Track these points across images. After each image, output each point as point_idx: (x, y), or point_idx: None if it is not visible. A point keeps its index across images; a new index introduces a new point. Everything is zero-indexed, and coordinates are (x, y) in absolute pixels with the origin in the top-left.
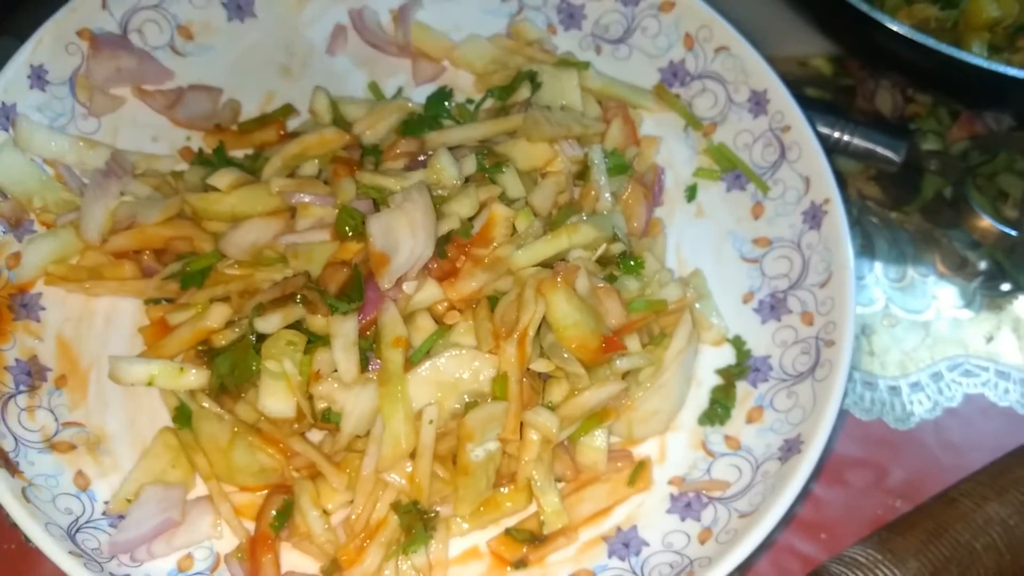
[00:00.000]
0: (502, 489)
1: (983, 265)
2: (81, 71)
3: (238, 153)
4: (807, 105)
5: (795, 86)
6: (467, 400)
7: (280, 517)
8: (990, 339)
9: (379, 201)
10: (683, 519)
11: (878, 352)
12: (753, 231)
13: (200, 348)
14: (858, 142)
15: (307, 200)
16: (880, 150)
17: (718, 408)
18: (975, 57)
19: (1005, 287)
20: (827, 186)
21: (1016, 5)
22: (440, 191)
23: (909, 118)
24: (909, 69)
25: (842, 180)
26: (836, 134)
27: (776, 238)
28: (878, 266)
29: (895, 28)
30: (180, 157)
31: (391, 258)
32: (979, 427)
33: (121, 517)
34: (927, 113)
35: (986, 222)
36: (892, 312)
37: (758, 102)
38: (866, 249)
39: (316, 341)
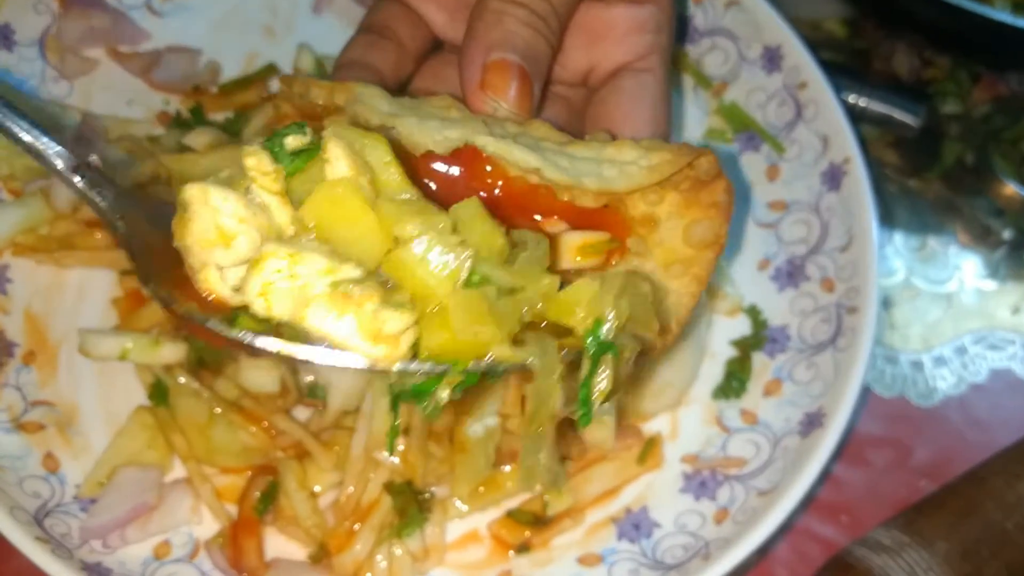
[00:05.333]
0: (503, 468)
1: (1007, 234)
2: (51, 31)
3: (219, 117)
4: (822, 70)
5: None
6: None
7: (264, 500)
8: (1016, 310)
9: None
10: (697, 499)
11: (899, 325)
12: (768, 194)
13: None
14: (875, 107)
15: None
16: (898, 115)
17: (733, 381)
18: (999, 13)
19: None
20: (847, 145)
21: None
22: None
23: (928, 81)
24: (928, 29)
25: (860, 144)
26: (852, 99)
27: (793, 201)
28: (897, 236)
29: None
30: (157, 121)
31: None
32: (1006, 403)
33: (93, 501)
34: (946, 76)
35: (1010, 189)
36: (913, 283)
37: (771, 58)
38: (885, 218)
39: None
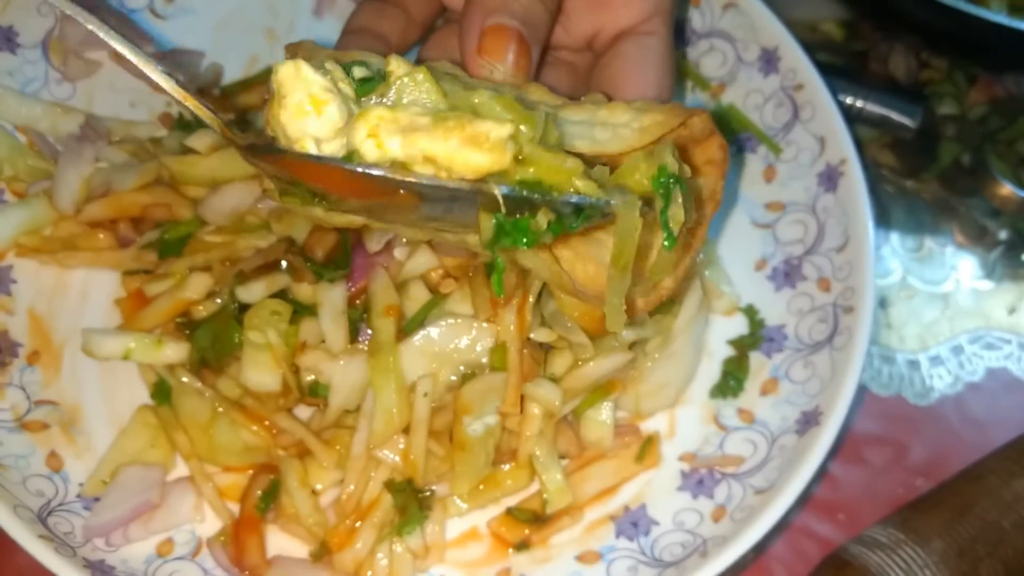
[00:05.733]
0: (502, 466)
1: (1004, 234)
2: (54, 34)
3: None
4: (819, 72)
5: (806, 52)
6: (464, 372)
7: (266, 498)
8: (1012, 310)
9: None
10: (695, 497)
11: (896, 325)
12: (765, 195)
13: (179, 320)
14: (872, 108)
15: None
16: (895, 116)
17: (730, 380)
18: (996, 15)
19: None
20: (843, 146)
21: None
22: None
23: (924, 83)
24: (925, 30)
25: (857, 145)
26: (849, 100)
27: (790, 202)
28: (894, 236)
29: None
30: (160, 123)
31: None
32: (1003, 402)
33: (96, 499)
34: (943, 77)
35: (1007, 189)
36: (909, 284)
37: (768, 60)
38: (881, 219)
39: (302, 311)
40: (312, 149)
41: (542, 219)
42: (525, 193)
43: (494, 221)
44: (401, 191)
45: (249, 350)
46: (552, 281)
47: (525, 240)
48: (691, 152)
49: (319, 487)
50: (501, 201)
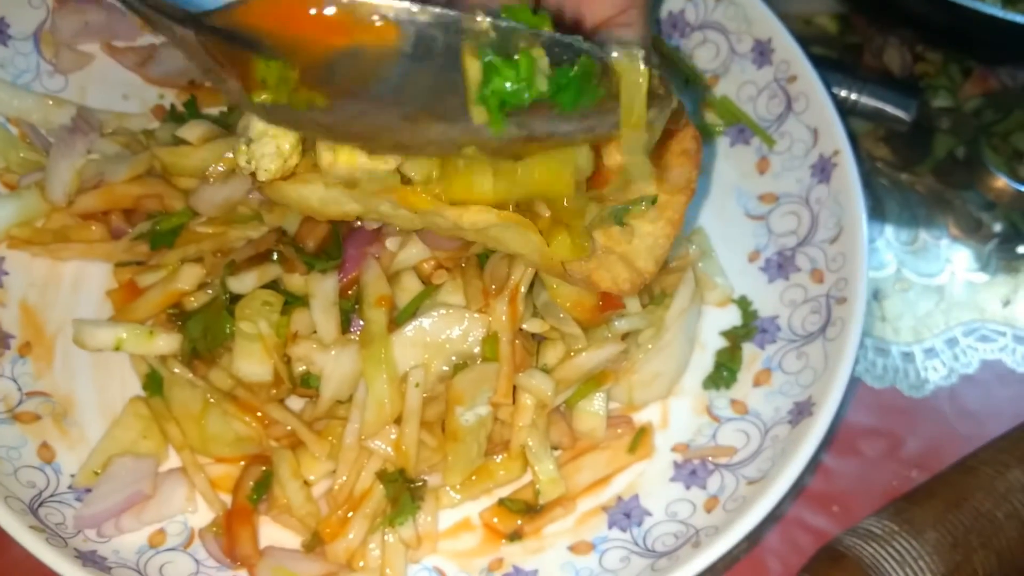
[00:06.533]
0: (495, 457)
1: (998, 227)
2: (46, 26)
3: (213, 110)
4: (813, 64)
5: (800, 45)
6: (456, 362)
7: (258, 489)
8: (1007, 303)
9: None
10: (688, 487)
11: (890, 317)
12: (759, 187)
13: (171, 311)
14: (866, 101)
15: None
16: (889, 109)
17: (723, 371)
18: (990, 7)
19: (1022, 249)
20: (836, 137)
21: None
22: None
23: (919, 76)
24: (919, 23)
25: (852, 138)
26: (843, 93)
27: (783, 193)
28: (889, 229)
29: None
30: (152, 115)
31: None
32: (997, 394)
33: (88, 490)
34: (938, 70)
35: (1001, 182)
36: (904, 276)
37: (762, 52)
38: (876, 212)
39: (294, 301)
40: None
41: (537, 55)
42: (512, 25)
43: (482, 61)
44: (377, 20)
45: (241, 341)
46: (541, 264)
47: (521, 82)
48: (666, 143)
49: (311, 478)
50: (489, 27)
